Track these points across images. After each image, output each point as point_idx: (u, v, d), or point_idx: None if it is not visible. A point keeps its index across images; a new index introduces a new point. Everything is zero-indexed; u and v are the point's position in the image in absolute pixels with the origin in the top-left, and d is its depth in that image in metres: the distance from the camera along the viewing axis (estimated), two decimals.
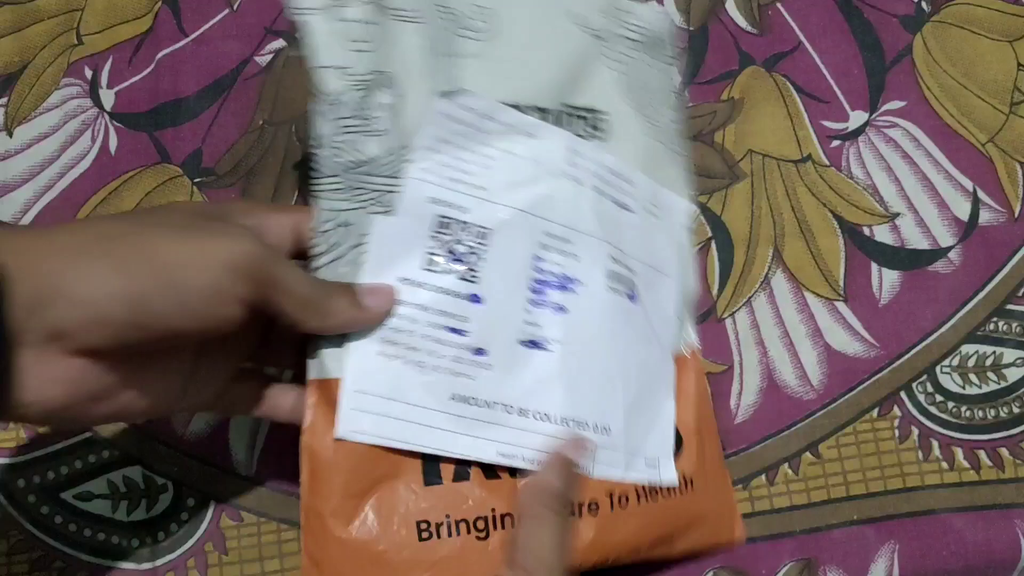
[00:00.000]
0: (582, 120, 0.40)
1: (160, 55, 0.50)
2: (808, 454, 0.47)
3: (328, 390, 0.35)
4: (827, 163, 0.50)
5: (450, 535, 0.35)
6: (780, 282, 0.49)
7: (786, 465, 0.47)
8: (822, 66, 0.52)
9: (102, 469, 0.45)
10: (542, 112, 0.39)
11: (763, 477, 0.46)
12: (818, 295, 0.49)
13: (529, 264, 0.38)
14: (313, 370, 0.36)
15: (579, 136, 0.40)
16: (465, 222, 0.37)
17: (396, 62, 0.37)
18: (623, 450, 0.39)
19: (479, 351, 0.36)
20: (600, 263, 0.39)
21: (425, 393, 0.35)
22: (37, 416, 0.30)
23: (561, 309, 0.38)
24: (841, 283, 0.49)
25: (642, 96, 0.43)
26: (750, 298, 0.49)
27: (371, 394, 0.35)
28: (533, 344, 0.37)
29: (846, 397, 0.48)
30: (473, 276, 0.36)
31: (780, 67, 0.52)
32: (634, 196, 0.41)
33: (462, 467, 0.36)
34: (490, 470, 0.37)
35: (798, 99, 0.51)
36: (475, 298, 0.36)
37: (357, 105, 0.36)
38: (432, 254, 0.36)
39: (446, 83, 0.37)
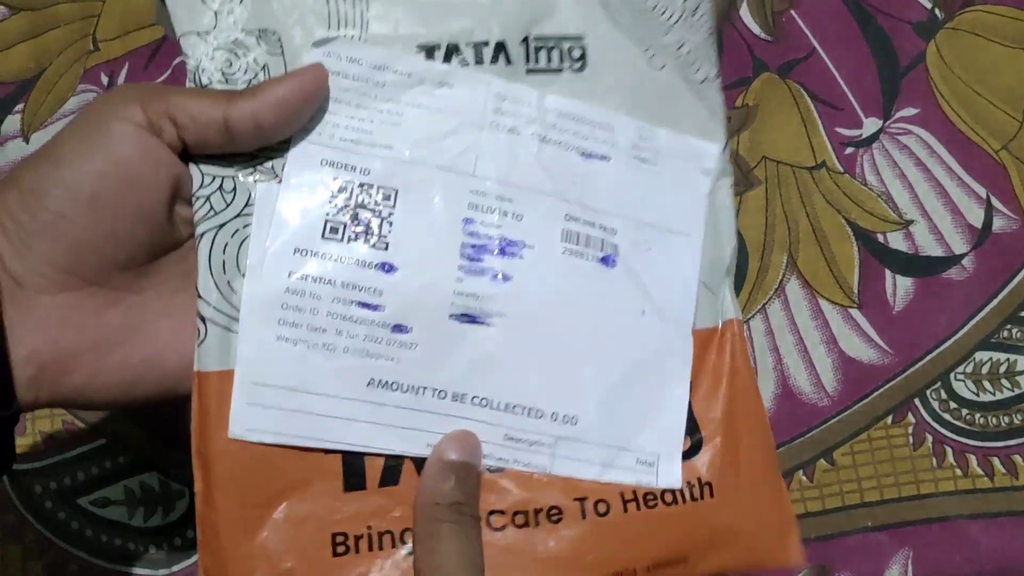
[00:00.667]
0: (548, 51, 0.35)
1: (176, 61, 0.50)
2: (822, 461, 0.47)
3: (220, 383, 0.31)
4: (841, 170, 0.50)
5: (371, 549, 0.31)
6: (794, 289, 0.49)
7: (800, 472, 0.47)
8: (836, 73, 0.52)
9: (119, 475, 0.45)
10: (481, 47, 0.34)
11: None
12: (832, 302, 0.49)
13: (457, 227, 0.33)
14: (200, 360, 0.31)
15: (538, 71, 0.34)
16: (368, 184, 0.32)
17: (274, 16, 0.33)
18: (598, 444, 0.33)
19: (399, 327, 0.32)
20: (552, 222, 0.34)
21: (337, 381, 0.31)
22: (31, 382, 0.29)
23: (502, 277, 0.33)
24: (855, 290, 0.49)
25: (641, 18, 0.36)
26: (764, 305, 0.49)
27: (270, 385, 0.31)
28: (467, 318, 0.32)
29: (860, 404, 0.48)
30: (383, 242, 0.32)
31: (794, 74, 0.52)
32: (611, 142, 0.35)
33: (392, 467, 0.32)
34: None
35: (812, 106, 0.51)
36: (387, 267, 0.32)
37: (226, 69, 0.32)
38: (331, 221, 0.32)
39: (331, 29, 0.33)
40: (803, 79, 0.52)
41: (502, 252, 0.33)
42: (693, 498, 0.34)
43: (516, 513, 0.32)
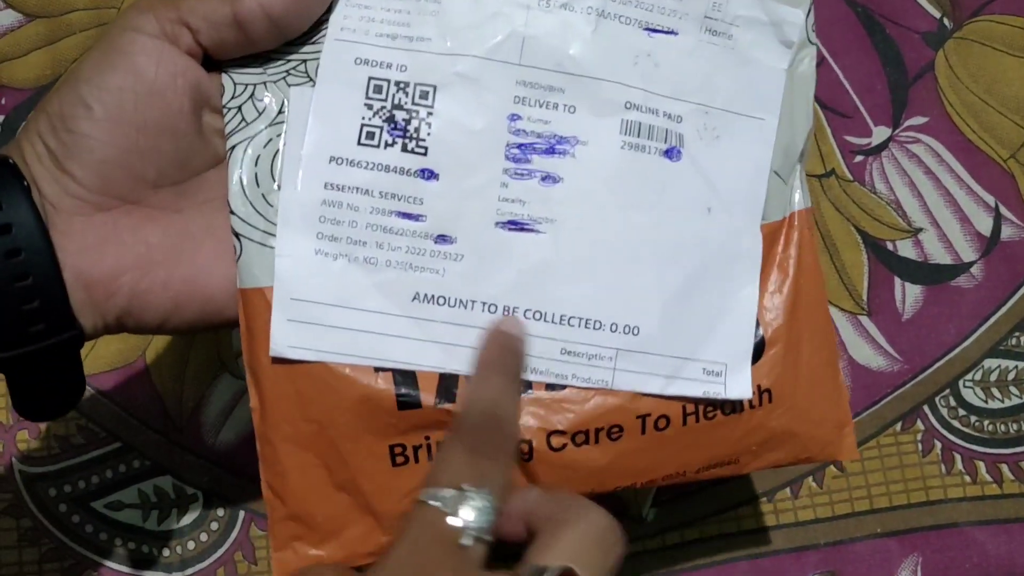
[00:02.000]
0: None
1: None
2: (832, 467, 0.47)
3: (263, 300, 0.30)
4: (850, 178, 0.51)
5: (431, 458, 0.30)
6: None
7: (810, 478, 0.47)
8: (845, 81, 0.52)
9: (133, 479, 0.45)
10: None
11: (788, 490, 0.47)
12: (842, 309, 0.49)
13: (502, 125, 0.30)
14: (241, 277, 0.30)
15: None
16: (403, 82, 0.30)
17: None
18: (661, 355, 0.31)
19: (442, 238, 0.30)
20: (610, 113, 0.31)
21: (380, 295, 0.30)
22: (102, 300, 0.29)
23: (551, 179, 0.31)
24: (864, 297, 0.49)
25: None
26: None
27: (311, 301, 0.30)
28: (515, 225, 0.30)
29: (870, 411, 0.48)
30: (421, 147, 0.30)
31: None
32: (680, 12, 0.31)
33: (446, 385, 0.30)
34: None
35: (821, 114, 0.52)
36: (427, 173, 0.30)
37: None
38: (367, 125, 0.30)
39: None
40: None
41: (551, 151, 0.31)
42: (752, 406, 0.32)
43: (576, 434, 0.31)
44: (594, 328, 0.31)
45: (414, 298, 0.30)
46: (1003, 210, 0.51)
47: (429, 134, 0.30)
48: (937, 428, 0.48)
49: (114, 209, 0.30)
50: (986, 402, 0.49)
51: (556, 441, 0.31)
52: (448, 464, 0.29)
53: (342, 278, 0.30)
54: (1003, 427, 0.48)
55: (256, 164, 0.30)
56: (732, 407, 0.32)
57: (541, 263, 0.30)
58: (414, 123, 0.30)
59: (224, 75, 0.31)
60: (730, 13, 0.32)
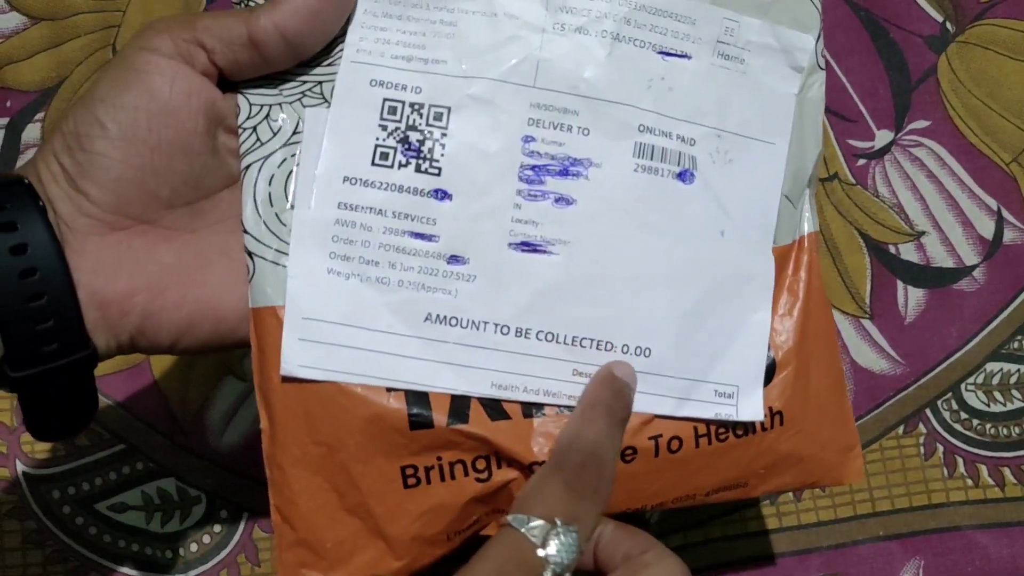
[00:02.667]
0: None
1: None
2: None
3: (275, 320, 0.30)
4: (853, 181, 0.51)
5: (443, 480, 0.30)
6: None
7: None
8: (848, 85, 0.52)
9: (136, 481, 0.45)
10: None
11: (790, 493, 0.47)
12: (844, 312, 0.49)
13: (516, 146, 0.30)
14: (253, 296, 0.30)
15: None
16: (418, 104, 0.30)
17: None
18: (673, 376, 0.31)
19: (455, 259, 0.30)
20: (623, 135, 0.31)
21: (392, 315, 0.30)
22: (131, 324, 0.29)
23: (565, 200, 0.31)
24: (867, 300, 0.50)
25: None
26: None
27: (323, 320, 0.30)
28: (528, 246, 0.30)
29: (872, 414, 0.48)
30: (435, 167, 0.30)
31: None
32: (693, 37, 0.32)
33: (458, 406, 0.30)
34: (495, 409, 0.30)
35: (824, 118, 0.52)
36: (441, 194, 0.30)
37: None
38: (381, 146, 0.30)
39: None
40: None
41: (564, 172, 0.31)
42: (763, 428, 0.32)
43: None
44: (606, 349, 0.31)
45: (426, 319, 0.30)
46: (1005, 214, 0.51)
47: (443, 155, 0.30)
48: (939, 431, 0.48)
49: (128, 229, 0.30)
50: (988, 405, 0.49)
51: None
52: (544, 496, 0.29)
53: (354, 298, 0.30)
54: (1005, 430, 0.48)
55: (270, 184, 0.30)
56: (744, 429, 0.32)
57: (554, 284, 0.31)
58: (428, 144, 0.30)
59: (240, 95, 0.31)
60: (742, 38, 0.32)
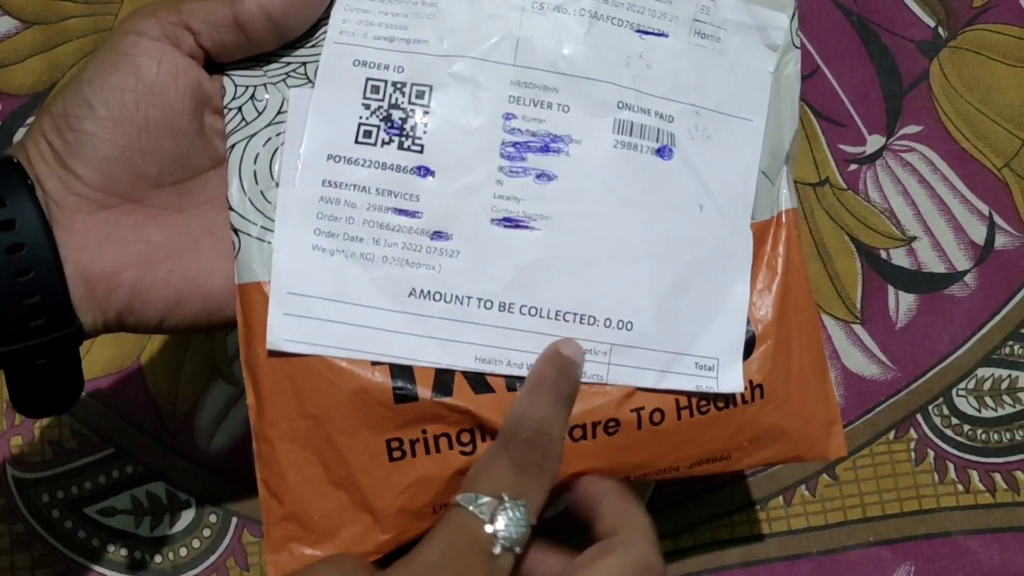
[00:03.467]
0: None
1: None
2: (825, 475, 0.47)
3: (260, 295, 0.30)
4: (844, 186, 0.51)
5: (428, 453, 0.30)
6: None
7: (803, 486, 0.47)
8: (839, 90, 0.52)
9: (125, 484, 0.45)
10: None
11: (780, 498, 0.47)
12: (835, 317, 0.49)
13: (497, 124, 0.31)
14: (239, 272, 0.31)
15: None
16: (400, 83, 0.31)
17: None
18: (655, 350, 0.32)
19: (438, 234, 0.31)
20: (603, 112, 0.31)
21: (376, 291, 0.30)
22: (118, 301, 0.30)
23: (546, 176, 0.31)
24: (858, 306, 0.50)
25: None
26: None
27: (307, 295, 0.30)
28: (510, 222, 0.31)
29: (863, 419, 0.48)
30: (417, 144, 0.31)
31: None
32: (670, 15, 0.33)
33: (443, 379, 0.30)
34: (479, 383, 0.31)
35: (816, 122, 0.52)
36: (423, 171, 0.31)
37: None
38: (364, 124, 0.31)
39: None
40: (807, 96, 0.52)
41: (545, 149, 0.31)
42: (744, 401, 0.33)
43: (574, 428, 0.31)
44: (588, 323, 0.31)
45: (410, 294, 0.30)
46: (997, 219, 0.51)
47: (425, 132, 0.31)
48: (930, 437, 0.48)
49: (116, 207, 0.30)
50: (979, 411, 0.49)
51: None
52: (490, 473, 0.30)
53: (339, 273, 0.30)
54: (996, 436, 0.48)
55: (255, 162, 0.31)
56: (725, 402, 0.32)
57: (536, 259, 0.31)
58: (410, 122, 0.31)
59: (225, 77, 0.31)
60: (718, 17, 0.33)
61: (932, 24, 0.53)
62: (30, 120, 0.49)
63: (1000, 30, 0.53)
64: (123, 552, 0.44)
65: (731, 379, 0.32)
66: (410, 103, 0.31)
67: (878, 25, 0.53)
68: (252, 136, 0.31)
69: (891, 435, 0.48)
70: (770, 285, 0.33)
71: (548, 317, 0.31)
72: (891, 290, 0.50)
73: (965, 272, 0.50)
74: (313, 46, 0.31)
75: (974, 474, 0.48)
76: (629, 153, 0.32)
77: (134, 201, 0.30)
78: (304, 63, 0.31)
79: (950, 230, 0.51)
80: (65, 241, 0.29)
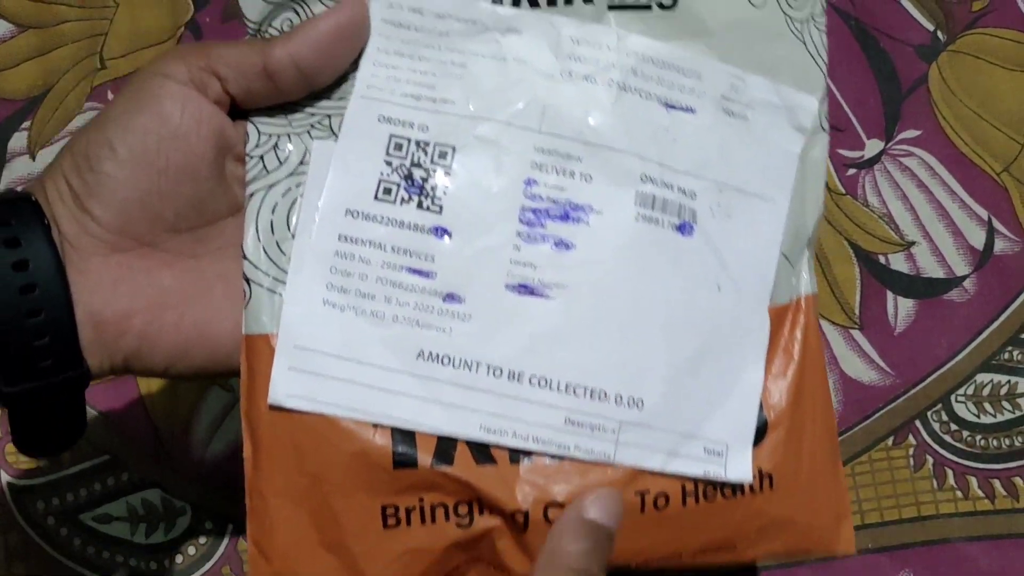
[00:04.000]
0: None
1: None
2: None
3: (267, 347, 0.30)
4: (843, 191, 0.51)
5: (423, 522, 0.29)
6: None
7: None
8: (838, 94, 0.52)
9: (121, 492, 0.45)
10: None
11: None
12: (833, 323, 0.49)
13: (518, 189, 0.31)
14: (247, 322, 0.30)
15: (623, 7, 0.32)
16: (424, 142, 0.31)
17: None
18: (664, 430, 0.31)
19: (451, 297, 0.30)
20: (626, 184, 0.31)
21: (384, 350, 0.30)
22: (125, 345, 0.29)
23: (564, 245, 0.31)
24: (857, 311, 0.49)
25: None
26: None
27: (315, 350, 0.29)
28: (525, 289, 0.30)
29: (861, 425, 0.48)
30: (436, 205, 0.30)
31: None
32: (698, 92, 0.32)
33: (444, 447, 0.30)
34: (482, 453, 0.30)
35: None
36: (440, 231, 0.30)
37: (286, 26, 0.31)
38: (385, 181, 0.30)
39: None
40: None
41: (565, 217, 0.31)
42: (753, 490, 0.32)
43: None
44: (599, 399, 0.30)
45: (419, 355, 0.30)
46: (996, 224, 0.51)
47: (445, 193, 0.30)
48: (929, 443, 0.48)
49: (131, 251, 0.30)
50: (978, 417, 0.48)
51: (553, 513, 0.30)
52: None
53: (348, 329, 0.30)
54: (995, 442, 0.48)
55: (273, 212, 0.30)
56: (732, 490, 0.31)
57: (549, 329, 0.30)
58: (431, 182, 0.31)
59: (249, 123, 0.31)
60: (746, 96, 0.33)
61: (931, 28, 0.53)
62: (25, 125, 0.49)
63: (999, 34, 0.53)
64: (119, 559, 0.44)
65: (740, 468, 0.31)
66: (432, 163, 0.31)
67: (876, 29, 0.53)
68: (272, 186, 0.31)
69: (890, 441, 0.48)
70: (785, 371, 0.32)
71: (558, 390, 0.30)
72: (890, 295, 0.50)
73: (964, 277, 0.50)
74: (340, 99, 0.31)
75: (973, 480, 0.48)
76: (650, 227, 0.31)
77: (148, 245, 0.30)
78: (329, 115, 0.31)
79: (949, 235, 0.50)
80: (78, 283, 0.29)
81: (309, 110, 0.31)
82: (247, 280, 0.30)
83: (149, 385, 0.46)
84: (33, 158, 0.49)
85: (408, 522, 0.29)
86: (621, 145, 0.31)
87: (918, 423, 0.48)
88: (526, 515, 0.30)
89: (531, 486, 0.30)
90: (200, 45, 0.30)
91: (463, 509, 0.30)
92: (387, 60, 0.31)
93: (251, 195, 0.31)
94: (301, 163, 0.31)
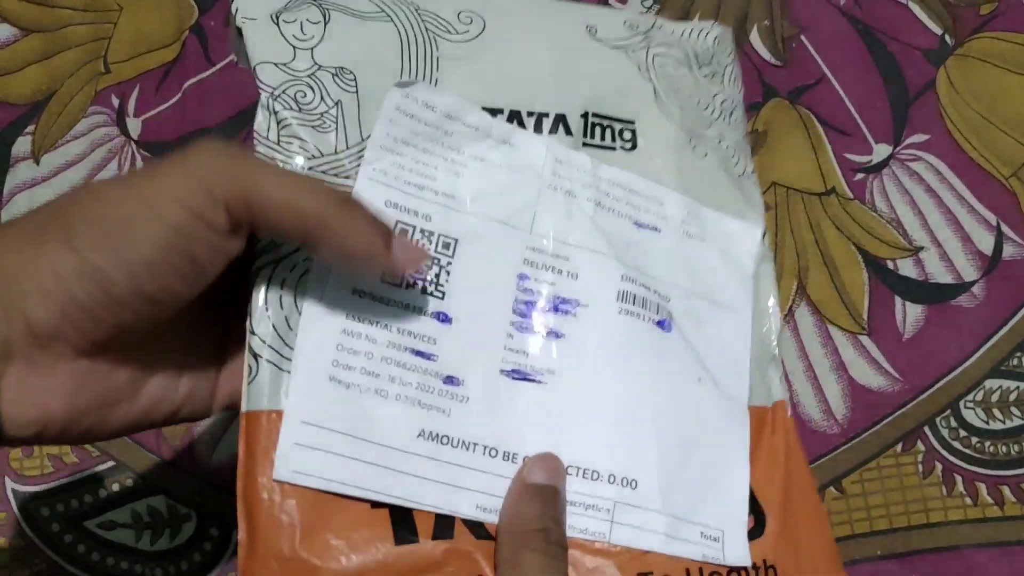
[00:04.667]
0: (602, 128, 0.36)
1: (187, 84, 0.50)
2: (832, 489, 0.47)
3: (268, 424, 0.29)
4: (851, 196, 0.50)
5: None
6: (804, 315, 0.49)
7: None
8: (846, 99, 0.52)
9: (126, 498, 0.45)
10: (542, 118, 0.35)
11: None
12: (842, 328, 0.49)
13: (511, 282, 0.33)
14: (250, 399, 0.30)
15: (593, 145, 0.35)
16: (429, 231, 0.32)
17: (351, 56, 0.33)
18: (660, 512, 0.32)
19: (451, 379, 0.31)
20: (608, 282, 0.34)
21: (387, 429, 0.30)
22: (30, 437, 0.26)
23: (555, 335, 0.33)
24: (865, 316, 0.49)
25: (687, 111, 0.38)
26: None
27: (321, 427, 0.29)
28: (518, 375, 0.32)
29: (870, 431, 0.48)
30: (440, 291, 0.32)
31: (804, 100, 0.52)
32: (661, 215, 0.36)
33: (442, 524, 0.30)
34: (480, 529, 0.30)
35: (822, 132, 0.51)
36: (442, 316, 0.32)
37: (300, 99, 0.32)
38: None
39: (414, 82, 0.33)
40: (813, 105, 0.52)
41: (555, 309, 0.33)
42: None
43: None
44: (592, 479, 0.32)
45: (419, 435, 0.30)
46: (1005, 228, 0.50)
47: (448, 280, 0.32)
48: (938, 449, 0.48)
49: (97, 355, 0.27)
50: (987, 423, 0.48)
51: None
52: None
53: (353, 407, 0.30)
54: (1004, 448, 0.48)
55: (282, 287, 0.30)
56: (737, 574, 0.32)
57: (542, 412, 0.32)
58: (435, 269, 0.32)
59: None
60: (702, 224, 0.37)
61: (939, 32, 0.53)
62: (29, 129, 0.49)
63: (1007, 38, 0.53)
64: (123, 566, 0.44)
65: (737, 553, 0.32)
66: (437, 251, 0.32)
67: (884, 33, 0.53)
68: (280, 260, 0.30)
69: (898, 447, 0.48)
70: (774, 468, 0.34)
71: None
72: (898, 301, 0.49)
73: (973, 283, 0.50)
74: (347, 177, 0.32)
75: (982, 487, 0.47)
76: (633, 320, 0.33)
77: (115, 350, 0.27)
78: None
79: (957, 240, 0.50)
80: (37, 384, 0.26)
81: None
82: (254, 355, 0.30)
83: None
84: (37, 162, 0.49)
85: None
86: (602, 249, 0.34)
87: (927, 429, 0.48)
88: None
89: None
90: (237, 166, 0.26)
91: None
92: (393, 146, 0.32)
93: (258, 270, 0.30)
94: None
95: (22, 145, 0.49)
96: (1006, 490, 0.47)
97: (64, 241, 0.25)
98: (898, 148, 0.51)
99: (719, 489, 0.33)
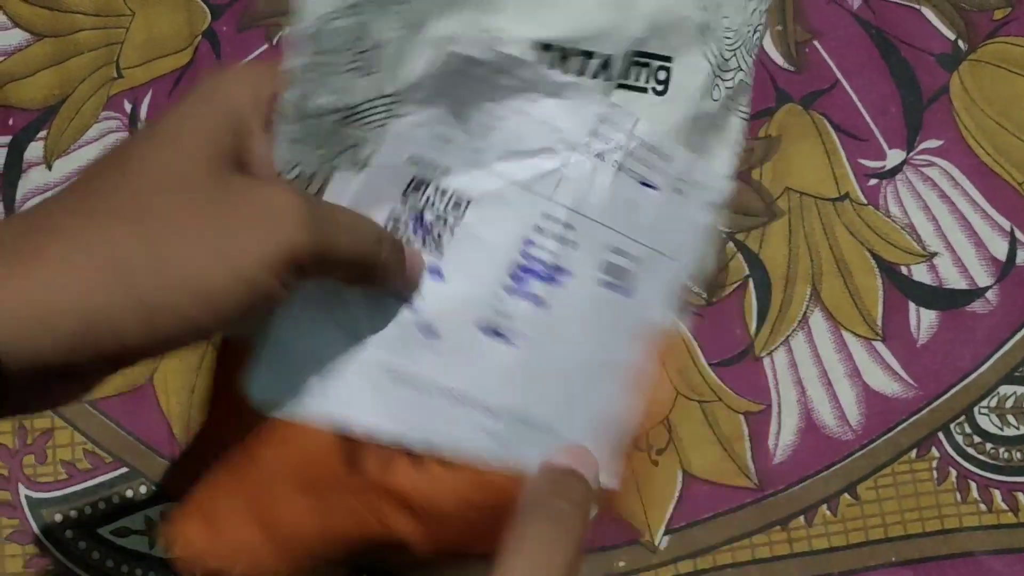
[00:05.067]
0: (645, 68, 0.34)
1: None
2: (846, 495, 0.47)
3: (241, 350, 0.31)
4: (864, 201, 0.50)
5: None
6: (818, 321, 0.49)
7: (824, 506, 0.47)
8: (859, 104, 0.52)
9: (140, 505, 0.45)
10: (587, 57, 0.33)
11: (801, 518, 0.46)
12: (856, 334, 0.49)
13: (516, 247, 0.33)
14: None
15: (628, 87, 0.34)
16: (443, 189, 0.32)
17: None
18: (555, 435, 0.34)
19: (430, 331, 0.32)
20: (597, 254, 0.34)
21: (356, 366, 0.31)
22: None
23: (539, 302, 0.33)
24: (879, 322, 0.49)
25: (719, 43, 0.36)
26: (788, 337, 0.49)
27: (291, 357, 0.31)
28: (495, 334, 0.33)
29: (884, 438, 0.48)
30: (439, 250, 0.32)
31: (817, 105, 0.52)
32: (664, 171, 0.36)
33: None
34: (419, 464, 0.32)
35: (835, 137, 0.51)
36: (435, 272, 0.32)
37: (348, 35, 0.29)
38: (395, 217, 0.32)
39: (465, 22, 0.32)
40: (826, 110, 0.52)
41: (549, 279, 0.33)
42: None
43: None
44: (532, 429, 0.33)
45: (386, 374, 0.32)
46: (1019, 234, 0.50)
47: (451, 240, 0.32)
48: (952, 455, 0.48)
49: None
50: (1002, 429, 0.48)
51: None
52: None
53: (327, 342, 0.31)
54: (1019, 454, 0.48)
55: None
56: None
57: (504, 369, 0.33)
58: (439, 226, 0.32)
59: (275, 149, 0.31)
60: (694, 178, 0.36)
61: (952, 37, 0.53)
62: (42, 134, 0.49)
63: (1021, 43, 0.53)
64: (137, 573, 0.44)
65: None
66: (445, 210, 0.32)
67: (898, 38, 0.53)
68: None
69: (913, 454, 0.47)
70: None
71: (499, 417, 0.33)
72: (912, 307, 0.49)
73: (987, 288, 0.50)
74: (370, 127, 0.31)
75: (997, 493, 0.47)
76: (608, 293, 0.34)
77: None
78: (358, 147, 0.31)
79: (971, 246, 0.50)
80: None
81: (337, 139, 0.31)
82: None
83: (167, 396, 0.46)
84: (49, 168, 0.48)
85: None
86: (605, 220, 0.34)
87: (941, 436, 0.48)
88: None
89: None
90: (321, 225, 0.27)
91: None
92: (436, 100, 0.32)
93: None
94: (320, 188, 0.31)
95: (34, 150, 0.49)
96: (1020, 496, 0.47)
97: (60, 269, 0.23)
98: (912, 153, 0.51)
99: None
